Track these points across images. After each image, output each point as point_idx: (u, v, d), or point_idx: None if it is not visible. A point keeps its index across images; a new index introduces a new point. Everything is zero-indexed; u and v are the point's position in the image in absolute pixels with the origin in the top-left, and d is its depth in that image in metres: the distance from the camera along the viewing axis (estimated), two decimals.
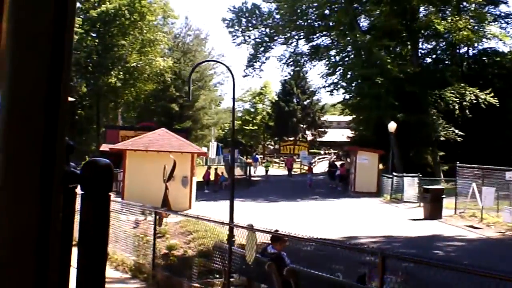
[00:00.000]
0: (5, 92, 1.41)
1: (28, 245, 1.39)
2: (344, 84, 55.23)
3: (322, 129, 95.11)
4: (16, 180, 1.40)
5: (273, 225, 17.20)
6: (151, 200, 25.86)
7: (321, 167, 70.06)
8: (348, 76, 53.25)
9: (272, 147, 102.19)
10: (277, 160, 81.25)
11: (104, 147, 51.16)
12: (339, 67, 54.04)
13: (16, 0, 1.43)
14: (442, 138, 50.27)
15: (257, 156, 78.68)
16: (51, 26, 1.43)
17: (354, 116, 57.78)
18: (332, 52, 57.24)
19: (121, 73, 61.79)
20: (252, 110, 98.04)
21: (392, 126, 42.93)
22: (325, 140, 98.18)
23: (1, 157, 1.40)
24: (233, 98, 18.99)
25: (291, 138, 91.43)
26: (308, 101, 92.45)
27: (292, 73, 69.49)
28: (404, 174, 39.49)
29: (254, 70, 61.63)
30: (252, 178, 56.34)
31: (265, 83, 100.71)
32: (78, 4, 61.12)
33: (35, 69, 1.42)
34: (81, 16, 59.99)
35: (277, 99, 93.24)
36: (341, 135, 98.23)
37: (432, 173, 47.58)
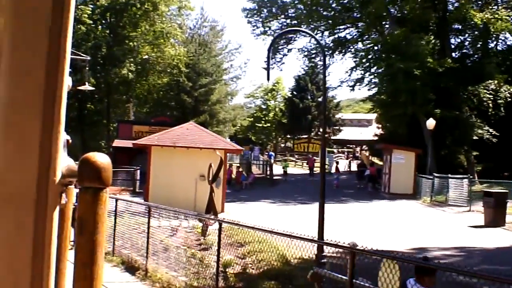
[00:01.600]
0: (1, 89, 1.43)
1: (24, 242, 1.43)
2: (370, 78, 52.17)
3: (337, 127, 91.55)
4: (13, 178, 1.42)
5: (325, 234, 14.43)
6: (180, 202, 22.85)
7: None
8: (377, 69, 50.20)
9: (283, 145, 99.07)
10: (292, 158, 77.73)
11: (117, 142, 48.21)
12: (366, 61, 50.83)
13: None
14: (475, 137, 47.20)
15: (271, 153, 75.59)
16: (48, 18, 1.44)
17: (380, 112, 54.30)
18: (359, 45, 54.34)
19: (132, 65, 58.48)
20: (264, 106, 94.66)
21: (430, 123, 39.77)
22: (340, 138, 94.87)
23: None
24: (324, 75, 15.78)
25: (305, 136, 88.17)
26: (323, 97, 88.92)
27: (313, 66, 65.73)
28: (450, 175, 36.27)
29: (275, 63, 58.57)
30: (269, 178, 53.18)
31: (277, 79, 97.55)
32: None
33: (32, 64, 1.43)
34: (90, 5, 56.81)
35: (290, 95, 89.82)
36: (359, 133, 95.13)
37: (465, 174, 44.28)
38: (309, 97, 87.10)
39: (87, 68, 32.65)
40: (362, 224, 25.69)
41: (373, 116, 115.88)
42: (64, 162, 1.55)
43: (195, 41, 70.85)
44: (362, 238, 16.63)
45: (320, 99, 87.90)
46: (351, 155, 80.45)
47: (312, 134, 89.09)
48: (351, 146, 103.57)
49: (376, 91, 52.57)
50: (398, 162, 40.48)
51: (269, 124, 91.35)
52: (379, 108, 52.97)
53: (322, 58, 56.64)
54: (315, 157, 65.75)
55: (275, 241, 13.52)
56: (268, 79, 14.98)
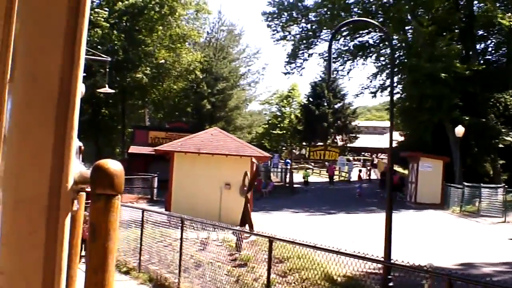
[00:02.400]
0: (15, 95, 1.44)
1: (36, 248, 1.42)
2: (394, 84, 50.60)
3: (353, 134, 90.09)
4: (25, 183, 1.43)
5: (360, 247, 13.20)
6: (204, 212, 21.58)
7: (354, 174, 65.27)
8: (401, 75, 48.87)
9: (297, 152, 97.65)
10: (310, 166, 76.19)
11: (133, 149, 47.08)
12: (389, 66, 49.33)
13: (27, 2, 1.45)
14: (500, 145, 45.74)
15: (288, 160, 74.24)
16: (62, 23, 1.44)
17: (404, 119, 52.74)
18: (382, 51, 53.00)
19: (148, 69, 57.30)
20: (279, 113, 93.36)
21: (459, 130, 38.31)
22: (356, 146, 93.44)
23: (11, 160, 1.44)
24: (392, 65, 14.44)
25: (321, 143, 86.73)
26: (339, 104, 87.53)
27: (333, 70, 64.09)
28: (482, 184, 34.81)
29: (296, 68, 57.22)
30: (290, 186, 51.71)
31: (293, 86, 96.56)
32: None
33: (46, 70, 1.44)
34: (106, 9, 55.74)
35: (306, 102, 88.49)
36: (377, 140, 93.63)
37: (491, 183, 42.74)
38: (325, 104, 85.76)
39: (107, 69, 31.29)
40: (397, 237, 24.24)
41: (388, 123, 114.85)
42: (76, 169, 1.52)
43: (212, 45, 69.71)
44: (402, 253, 15.48)
45: (336, 106, 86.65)
46: (369, 163, 78.74)
47: (329, 141, 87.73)
48: (366, 154, 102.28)
49: (400, 97, 51.14)
50: (426, 170, 39.04)
51: (284, 131, 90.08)
52: (402, 115, 51.36)
53: (344, 62, 55.49)
54: (334, 165, 64.34)
55: (317, 257, 12.28)
56: (329, 77, 13.66)
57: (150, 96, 62.09)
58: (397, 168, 55.68)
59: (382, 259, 9.88)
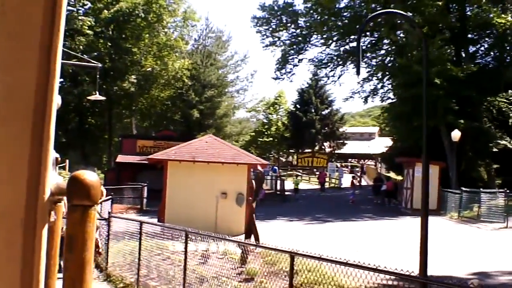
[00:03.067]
0: None
1: (13, 261, 1.42)
2: (386, 89, 50.06)
3: (341, 141, 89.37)
4: (1, 196, 1.42)
5: (366, 256, 12.41)
6: (199, 222, 20.75)
7: (345, 181, 64.46)
8: (393, 80, 48.17)
9: (284, 160, 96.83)
10: (298, 173, 75.28)
11: (121, 158, 46.01)
12: (381, 69, 48.78)
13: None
14: (494, 149, 45.12)
15: (275, 167, 73.26)
16: (38, 35, 1.45)
17: (397, 124, 51.99)
18: (369, 55, 52.33)
19: (133, 77, 56.26)
20: (266, 121, 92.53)
21: (456, 134, 37.60)
22: (344, 152, 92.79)
23: None
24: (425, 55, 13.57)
25: (308, 150, 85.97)
26: (327, 111, 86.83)
27: (325, 77, 63.01)
28: (477, 189, 34.11)
29: (286, 73, 56.46)
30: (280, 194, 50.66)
31: (280, 93, 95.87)
32: (89, 4, 56.18)
33: (22, 82, 1.44)
34: (90, 17, 54.67)
35: (293, 109, 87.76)
36: (367, 146, 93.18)
37: (485, 187, 42.07)
38: (313, 110, 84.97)
39: (97, 76, 30.35)
40: (401, 246, 23.52)
41: (375, 129, 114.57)
42: (53, 180, 1.52)
43: (200, 52, 68.75)
44: (411, 263, 14.76)
45: (324, 112, 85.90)
46: (358, 170, 78.01)
47: (316, 148, 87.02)
48: (353, 160, 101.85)
49: (391, 102, 50.48)
50: (422, 176, 38.22)
51: (271, 139, 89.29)
52: (395, 120, 50.63)
53: (335, 67, 54.75)
54: (326, 172, 63.51)
55: (327, 269, 11.39)
56: (358, 73, 12.76)
57: (137, 105, 61.06)
58: (390, 174, 55.02)
59: (417, 275, 8.95)
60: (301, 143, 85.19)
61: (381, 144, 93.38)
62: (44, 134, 1.44)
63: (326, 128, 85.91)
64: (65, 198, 1.62)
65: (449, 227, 30.90)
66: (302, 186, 61.47)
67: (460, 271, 16.99)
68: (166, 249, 16.17)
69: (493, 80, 46.00)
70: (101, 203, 22.43)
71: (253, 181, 17.72)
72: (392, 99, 51.95)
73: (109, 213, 19.20)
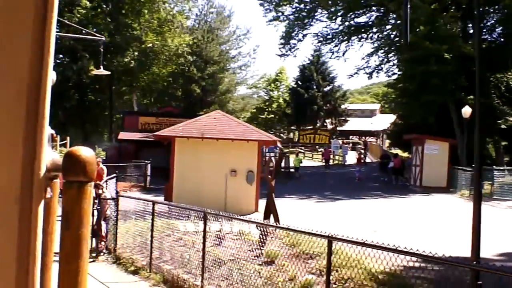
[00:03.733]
0: None
1: (10, 237, 1.42)
2: (391, 64, 49.07)
3: (343, 118, 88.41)
4: None
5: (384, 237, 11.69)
6: (208, 201, 19.94)
7: (349, 158, 63.75)
8: (399, 55, 47.17)
9: (285, 137, 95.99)
10: (301, 150, 74.34)
11: (123, 135, 45.10)
12: (387, 44, 47.77)
13: None
14: (503, 126, 44.33)
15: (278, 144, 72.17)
16: (31, 12, 1.41)
17: (404, 101, 51.02)
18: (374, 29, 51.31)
19: (136, 53, 55.17)
20: (267, 97, 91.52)
21: (466, 110, 36.64)
22: (346, 129, 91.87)
23: None
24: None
25: (310, 127, 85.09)
26: (328, 87, 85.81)
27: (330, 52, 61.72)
28: (495, 167, 33.36)
29: (290, 49, 55.39)
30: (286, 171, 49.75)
31: (281, 69, 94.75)
32: None
33: (16, 59, 1.41)
34: None
35: (295, 85, 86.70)
36: (369, 123, 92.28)
37: (493, 165, 41.33)
38: (315, 87, 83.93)
39: (101, 49, 29.27)
40: (417, 224, 22.81)
41: (376, 106, 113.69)
42: (48, 156, 1.51)
43: (202, 28, 67.59)
44: (431, 243, 14.06)
45: (326, 89, 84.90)
46: (362, 147, 77.12)
47: (318, 125, 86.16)
48: (354, 137, 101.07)
49: (398, 77, 49.49)
50: (431, 153, 37.49)
51: (272, 115, 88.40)
52: (401, 97, 49.72)
53: (340, 42, 53.65)
54: (330, 149, 62.77)
55: (351, 252, 10.54)
56: (406, 40, 11.85)
57: (138, 81, 59.97)
58: (398, 151, 54.19)
59: (465, 263, 8.12)
60: (303, 120, 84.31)
61: (384, 121, 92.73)
62: (39, 110, 1.42)
63: (328, 105, 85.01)
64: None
65: (462, 205, 30.13)
66: (306, 163, 60.69)
67: (485, 252, 16.18)
68: (177, 230, 15.38)
69: (500, 56, 45.05)
70: (106, 181, 21.65)
71: (273, 159, 16.72)
72: (398, 75, 50.97)
73: (117, 192, 18.33)
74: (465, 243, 17.93)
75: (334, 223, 19.73)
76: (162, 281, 13.27)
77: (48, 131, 1.49)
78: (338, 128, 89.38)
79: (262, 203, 23.56)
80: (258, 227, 13.71)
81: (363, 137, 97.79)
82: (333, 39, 53.69)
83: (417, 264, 9.84)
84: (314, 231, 9.45)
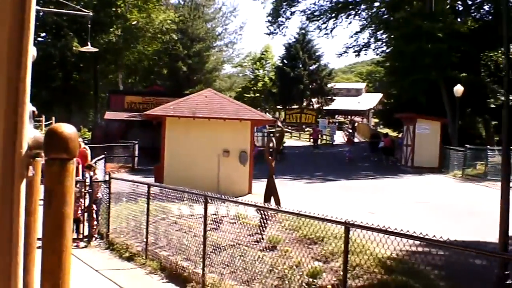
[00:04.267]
0: None
1: None
2: (380, 41, 48.43)
3: (329, 97, 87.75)
4: None
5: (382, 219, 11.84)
6: (201, 183, 19.35)
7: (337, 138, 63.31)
8: (387, 33, 46.60)
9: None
10: (288, 130, 73.79)
11: (109, 115, 44.24)
12: (376, 21, 47.13)
13: None
14: (492, 106, 43.94)
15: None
16: None
17: (393, 79, 50.45)
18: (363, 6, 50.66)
19: (120, 31, 53.98)
20: (252, 76, 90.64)
21: (458, 89, 36.22)
22: (332, 109, 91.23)
23: None
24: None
25: (296, 106, 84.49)
26: (314, 66, 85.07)
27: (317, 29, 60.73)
28: (489, 146, 33.00)
29: (278, 27, 54.58)
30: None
31: (266, 47, 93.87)
32: None
33: None
34: None
35: (280, 64, 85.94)
36: (356, 102, 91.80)
37: (483, 144, 40.97)
38: (301, 66, 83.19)
39: (89, 26, 28.39)
40: (412, 206, 22.38)
41: (362, 85, 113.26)
42: (30, 134, 1.51)
43: (187, 5, 66.53)
44: (433, 226, 13.59)
45: (312, 68, 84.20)
46: (349, 126, 76.56)
47: (304, 104, 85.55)
48: (339, 116, 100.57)
49: (387, 55, 48.93)
50: (423, 132, 37.05)
51: (258, 95, 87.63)
52: (391, 75, 49.16)
53: (324, 21, 52.94)
54: (319, 128, 62.27)
55: (355, 236, 9.93)
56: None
57: (123, 60, 58.87)
58: (387, 130, 53.77)
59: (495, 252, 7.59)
60: (289, 99, 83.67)
61: (370, 100, 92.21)
62: (20, 87, 1.39)
63: (314, 83, 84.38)
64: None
65: (456, 186, 29.80)
66: (293, 142, 60.23)
67: (492, 236, 15.73)
68: (171, 213, 14.79)
69: (489, 34, 44.62)
70: (95, 163, 21.00)
71: (273, 139, 16.06)
72: (387, 53, 50.41)
73: (108, 174, 17.67)
74: (465, 225, 17.57)
75: (329, 205, 19.18)
76: (159, 268, 12.69)
77: (29, 108, 1.46)
78: (324, 108, 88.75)
79: (256, 184, 23.08)
80: (258, 211, 13.13)
81: (349, 116, 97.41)
82: (321, 16, 52.99)
83: (433, 250, 9.27)
84: (329, 217, 8.83)
